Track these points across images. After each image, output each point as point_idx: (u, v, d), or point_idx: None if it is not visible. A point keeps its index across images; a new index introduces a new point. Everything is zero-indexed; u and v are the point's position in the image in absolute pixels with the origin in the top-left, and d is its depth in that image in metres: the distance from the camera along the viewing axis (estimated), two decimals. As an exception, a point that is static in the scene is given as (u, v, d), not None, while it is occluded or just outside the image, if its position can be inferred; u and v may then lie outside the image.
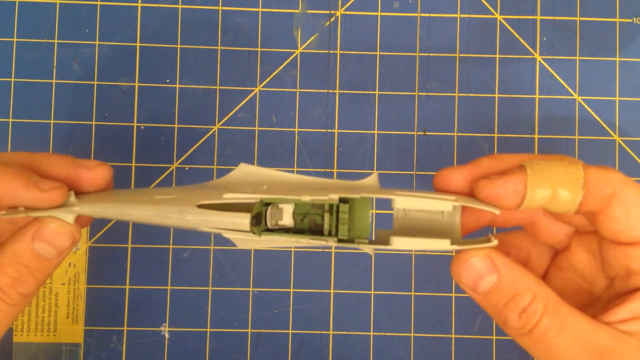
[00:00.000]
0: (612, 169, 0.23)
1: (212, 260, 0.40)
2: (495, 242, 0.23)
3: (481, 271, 0.23)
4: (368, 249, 0.24)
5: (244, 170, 0.26)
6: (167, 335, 0.40)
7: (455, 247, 0.23)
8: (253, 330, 0.40)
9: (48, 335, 0.40)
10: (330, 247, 0.40)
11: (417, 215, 0.24)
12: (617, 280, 0.23)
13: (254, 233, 0.24)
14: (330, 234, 0.24)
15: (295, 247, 0.40)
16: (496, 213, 0.23)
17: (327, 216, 0.24)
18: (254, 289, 0.40)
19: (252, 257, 0.40)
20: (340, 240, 0.24)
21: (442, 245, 0.23)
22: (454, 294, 0.40)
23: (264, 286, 0.40)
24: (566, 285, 0.26)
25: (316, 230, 0.24)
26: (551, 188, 0.22)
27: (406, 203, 0.23)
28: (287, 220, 0.24)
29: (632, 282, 0.22)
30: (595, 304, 0.24)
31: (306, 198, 0.23)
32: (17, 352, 0.39)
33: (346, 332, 0.40)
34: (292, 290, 0.40)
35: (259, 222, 0.24)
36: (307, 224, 0.24)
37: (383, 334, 0.40)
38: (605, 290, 0.24)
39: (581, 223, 0.25)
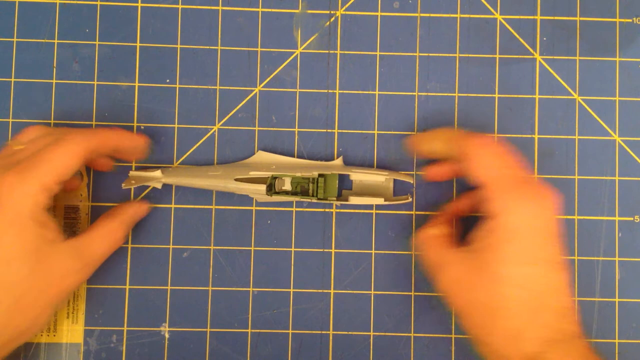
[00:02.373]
0: (479, 137, 0.35)
1: (212, 260, 0.40)
2: (409, 199, 0.40)
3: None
4: (335, 202, 0.39)
5: (260, 156, 0.40)
6: (167, 335, 0.40)
7: (387, 202, 0.39)
8: (253, 330, 0.40)
9: (48, 335, 0.40)
10: (331, 248, 0.40)
11: (368, 183, 0.40)
12: None
13: (268, 195, 0.38)
14: (313, 195, 0.38)
15: (295, 248, 0.40)
16: (411, 182, 0.40)
17: (311, 185, 0.39)
18: (254, 289, 0.40)
19: (252, 257, 0.40)
20: (319, 199, 0.38)
21: (378, 201, 0.39)
22: (454, 294, 0.40)
23: (264, 286, 0.40)
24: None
25: (304, 193, 0.39)
26: (431, 143, 0.37)
27: (357, 176, 0.39)
28: (287, 187, 0.38)
29: (484, 209, 0.34)
30: None
31: (298, 174, 0.38)
32: (17, 352, 0.39)
33: (346, 332, 0.40)
34: (292, 290, 0.40)
35: (270, 189, 0.38)
36: (299, 189, 0.39)
37: (383, 334, 0.40)
38: None
39: None
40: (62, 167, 0.33)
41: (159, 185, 0.39)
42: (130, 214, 0.39)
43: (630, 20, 0.42)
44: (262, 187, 0.38)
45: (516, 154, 0.35)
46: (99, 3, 0.41)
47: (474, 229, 0.35)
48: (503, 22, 0.42)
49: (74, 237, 0.35)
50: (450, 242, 0.36)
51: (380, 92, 0.41)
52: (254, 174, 0.38)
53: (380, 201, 0.38)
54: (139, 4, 0.41)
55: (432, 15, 0.41)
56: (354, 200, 0.38)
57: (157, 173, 0.39)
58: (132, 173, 0.39)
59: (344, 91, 0.41)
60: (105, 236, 0.37)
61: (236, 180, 0.38)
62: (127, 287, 0.40)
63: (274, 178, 0.38)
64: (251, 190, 0.38)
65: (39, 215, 0.33)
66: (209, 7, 0.41)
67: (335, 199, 0.39)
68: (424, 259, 0.37)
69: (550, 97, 0.41)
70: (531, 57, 0.41)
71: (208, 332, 0.40)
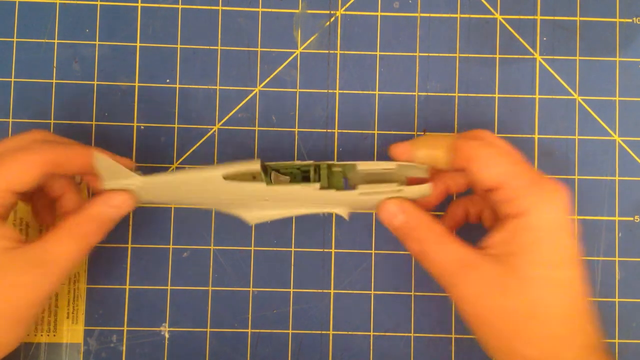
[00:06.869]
0: (477, 136, 0.32)
1: (212, 260, 0.40)
2: (430, 190, 0.33)
3: (394, 211, 0.33)
4: (341, 193, 0.34)
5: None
6: (167, 335, 0.40)
7: (401, 188, 0.33)
8: (253, 330, 0.40)
9: (48, 335, 0.40)
10: (331, 248, 0.40)
11: (375, 174, 0.34)
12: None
13: (267, 184, 0.33)
14: (314, 181, 0.33)
15: (295, 248, 0.40)
16: (426, 176, 0.34)
17: (312, 172, 0.34)
18: (254, 289, 0.40)
19: (252, 257, 0.40)
20: (322, 187, 0.33)
21: (391, 187, 0.33)
22: (454, 294, 0.40)
23: (264, 286, 0.40)
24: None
25: (306, 180, 0.34)
26: (428, 149, 0.33)
27: (363, 166, 0.34)
28: (285, 179, 0.34)
29: (499, 214, 0.32)
30: None
31: (297, 163, 0.34)
32: (17, 352, 0.39)
33: (346, 332, 0.40)
34: (292, 290, 0.40)
35: (266, 173, 0.34)
36: (300, 178, 0.34)
37: (383, 334, 0.40)
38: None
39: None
40: (14, 176, 0.30)
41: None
42: (111, 213, 0.33)
43: (630, 20, 0.42)
44: (256, 166, 0.33)
45: (515, 147, 0.33)
46: (99, 3, 0.41)
47: (489, 234, 0.32)
48: (503, 22, 0.42)
49: (35, 241, 0.31)
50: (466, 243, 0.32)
51: (380, 92, 0.41)
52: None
53: (393, 187, 0.33)
54: (139, 4, 0.41)
55: (432, 15, 0.41)
56: (363, 188, 0.33)
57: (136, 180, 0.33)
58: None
59: (344, 91, 0.41)
60: (77, 240, 0.31)
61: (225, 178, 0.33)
62: (127, 287, 0.40)
63: (272, 169, 0.34)
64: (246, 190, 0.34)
65: None
66: (209, 7, 0.41)
67: (342, 188, 0.34)
68: (435, 262, 0.32)
69: (550, 97, 0.41)
70: (531, 57, 0.41)
71: (208, 332, 0.40)
